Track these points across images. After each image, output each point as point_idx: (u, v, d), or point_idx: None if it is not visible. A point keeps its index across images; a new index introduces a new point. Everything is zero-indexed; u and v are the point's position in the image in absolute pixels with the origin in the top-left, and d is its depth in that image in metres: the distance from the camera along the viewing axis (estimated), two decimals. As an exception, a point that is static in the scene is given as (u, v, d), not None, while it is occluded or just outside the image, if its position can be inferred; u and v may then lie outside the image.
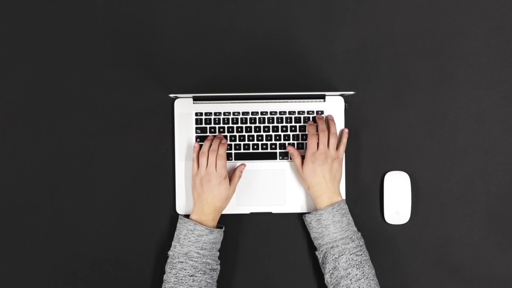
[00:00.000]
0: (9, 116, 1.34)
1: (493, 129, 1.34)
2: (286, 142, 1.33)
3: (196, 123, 1.33)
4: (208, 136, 1.32)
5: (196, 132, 1.33)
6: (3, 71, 1.34)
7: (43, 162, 1.34)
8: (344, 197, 1.32)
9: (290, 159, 1.32)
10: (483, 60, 1.35)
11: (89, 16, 1.35)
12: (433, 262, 1.34)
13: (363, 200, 1.34)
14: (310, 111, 1.33)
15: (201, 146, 1.30)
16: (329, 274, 1.23)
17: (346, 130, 1.31)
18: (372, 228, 1.34)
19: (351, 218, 1.26)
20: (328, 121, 1.31)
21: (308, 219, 1.27)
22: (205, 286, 1.21)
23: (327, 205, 1.25)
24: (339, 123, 1.33)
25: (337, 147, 1.30)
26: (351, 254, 1.22)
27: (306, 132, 1.31)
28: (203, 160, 1.26)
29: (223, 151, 1.27)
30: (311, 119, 1.32)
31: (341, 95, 1.33)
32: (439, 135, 1.35)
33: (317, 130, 1.29)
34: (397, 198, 1.33)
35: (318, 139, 1.27)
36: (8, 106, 1.34)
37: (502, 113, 1.35)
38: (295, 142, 1.33)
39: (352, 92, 1.27)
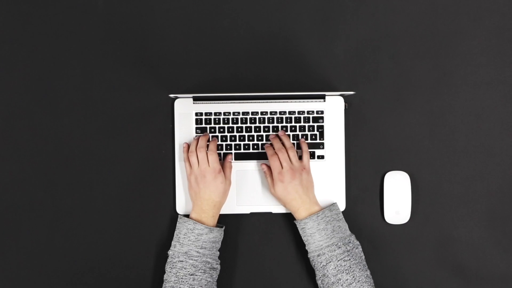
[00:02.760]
0: (9, 116, 1.34)
1: (493, 129, 1.34)
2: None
3: (196, 123, 1.33)
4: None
5: (196, 132, 1.33)
6: (3, 71, 1.34)
7: (43, 162, 1.34)
8: (344, 197, 1.32)
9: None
10: (483, 60, 1.35)
11: (89, 16, 1.35)
12: (433, 262, 1.34)
13: (363, 200, 1.34)
14: (310, 111, 1.33)
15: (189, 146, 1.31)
16: (321, 281, 1.23)
17: (302, 139, 1.31)
18: (372, 228, 1.34)
19: (338, 224, 1.25)
20: (280, 137, 1.31)
21: (296, 224, 1.27)
22: (205, 285, 1.21)
23: (305, 216, 1.25)
24: (339, 123, 1.33)
25: (301, 158, 1.29)
26: (338, 260, 1.21)
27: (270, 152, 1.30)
28: (193, 159, 1.26)
29: (213, 146, 1.27)
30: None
31: (341, 95, 1.33)
32: (439, 135, 1.35)
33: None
34: (397, 198, 1.33)
35: (279, 158, 1.27)
36: (8, 106, 1.34)
37: (502, 113, 1.35)
38: (295, 142, 1.33)
39: (352, 92, 1.27)
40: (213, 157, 1.25)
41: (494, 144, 1.34)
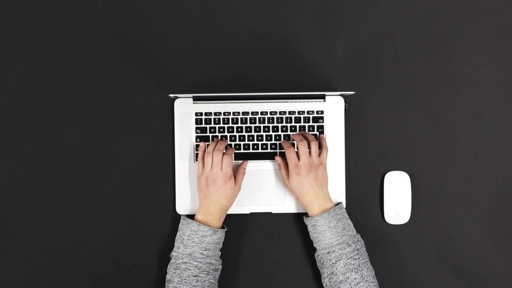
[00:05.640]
0: (9, 116, 1.34)
1: (493, 129, 1.35)
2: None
3: (196, 123, 1.33)
4: (213, 137, 1.32)
5: (196, 132, 1.33)
6: (3, 71, 1.34)
7: (43, 162, 1.34)
8: (344, 197, 1.32)
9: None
10: (483, 60, 1.35)
11: (89, 16, 1.35)
12: (433, 262, 1.34)
13: (363, 200, 1.35)
14: (310, 111, 1.33)
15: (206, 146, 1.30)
16: (328, 279, 1.23)
17: (323, 135, 1.31)
18: (372, 228, 1.34)
19: (347, 222, 1.26)
20: (303, 133, 1.31)
21: (306, 222, 1.27)
22: (208, 286, 1.22)
23: (319, 212, 1.25)
24: (339, 123, 1.33)
25: (319, 154, 1.29)
26: (348, 259, 1.21)
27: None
28: (208, 160, 1.26)
29: (231, 151, 1.27)
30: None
31: (341, 95, 1.33)
32: (439, 135, 1.35)
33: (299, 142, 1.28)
34: (397, 198, 1.33)
35: (298, 150, 1.26)
36: (8, 106, 1.34)
37: (502, 113, 1.35)
38: (295, 142, 1.32)
39: (352, 92, 1.27)
40: (228, 162, 1.25)
41: (494, 144, 1.34)
